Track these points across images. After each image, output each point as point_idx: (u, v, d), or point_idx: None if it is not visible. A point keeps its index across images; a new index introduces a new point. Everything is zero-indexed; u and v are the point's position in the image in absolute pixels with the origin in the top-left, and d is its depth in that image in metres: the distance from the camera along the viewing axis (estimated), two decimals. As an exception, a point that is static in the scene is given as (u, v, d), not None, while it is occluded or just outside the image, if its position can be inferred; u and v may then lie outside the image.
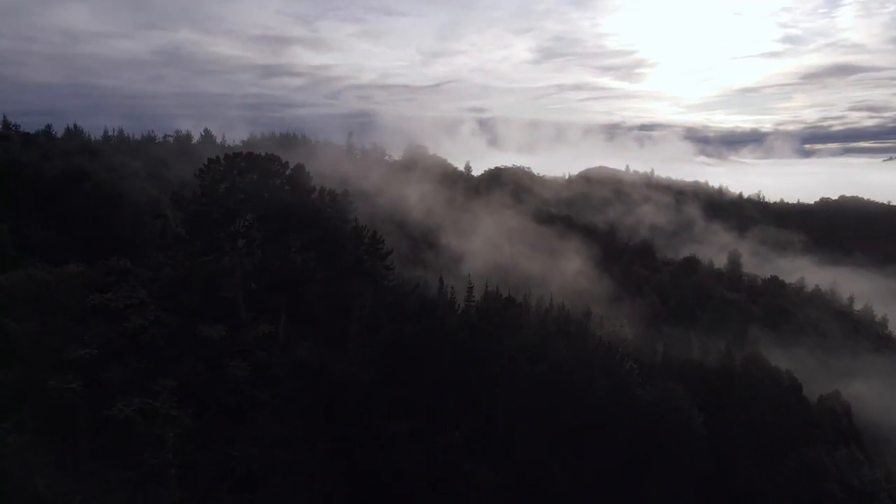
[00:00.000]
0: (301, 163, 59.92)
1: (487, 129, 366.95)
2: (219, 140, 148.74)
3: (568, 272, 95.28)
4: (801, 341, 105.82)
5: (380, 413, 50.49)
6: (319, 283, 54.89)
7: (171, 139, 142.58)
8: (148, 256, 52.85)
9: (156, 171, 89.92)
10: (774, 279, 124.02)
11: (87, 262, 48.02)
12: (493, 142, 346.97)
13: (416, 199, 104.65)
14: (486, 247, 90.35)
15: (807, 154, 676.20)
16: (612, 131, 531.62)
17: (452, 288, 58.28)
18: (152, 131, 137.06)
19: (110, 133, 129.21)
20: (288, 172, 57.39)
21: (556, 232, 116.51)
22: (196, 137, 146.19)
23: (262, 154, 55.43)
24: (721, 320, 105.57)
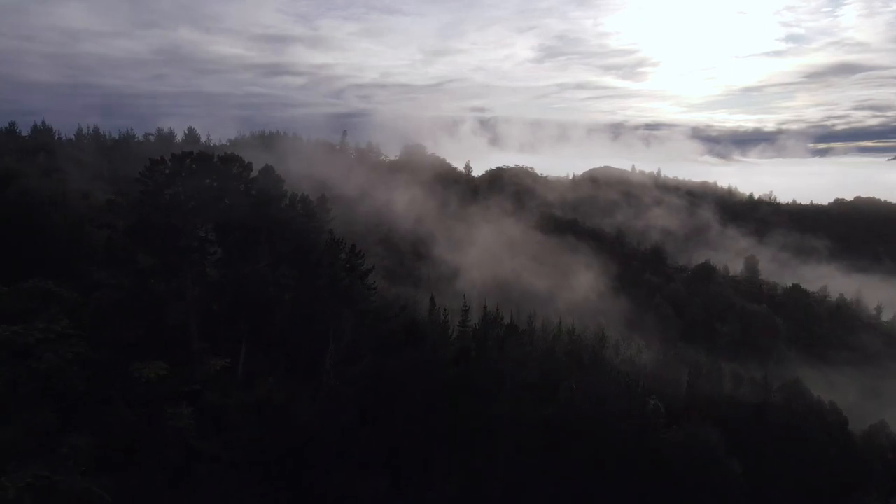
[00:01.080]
0: (270, 164, 51.76)
1: (489, 128, 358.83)
2: (203, 139, 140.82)
3: (576, 286, 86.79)
4: (831, 358, 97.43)
5: (357, 463, 42.35)
6: (288, 306, 46.70)
7: (152, 138, 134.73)
8: (84, 276, 44.55)
9: (123, 172, 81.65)
10: (797, 288, 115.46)
11: (8, 285, 39.90)
12: (495, 141, 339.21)
13: (408, 203, 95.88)
14: (484, 259, 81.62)
15: (811, 153, 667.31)
16: (616, 131, 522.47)
17: (445, 310, 49.99)
18: (131, 129, 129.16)
19: (85, 131, 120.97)
20: (253, 175, 49.31)
21: (562, 241, 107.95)
22: (180, 136, 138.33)
23: (222, 154, 47.27)
24: (742, 335, 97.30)
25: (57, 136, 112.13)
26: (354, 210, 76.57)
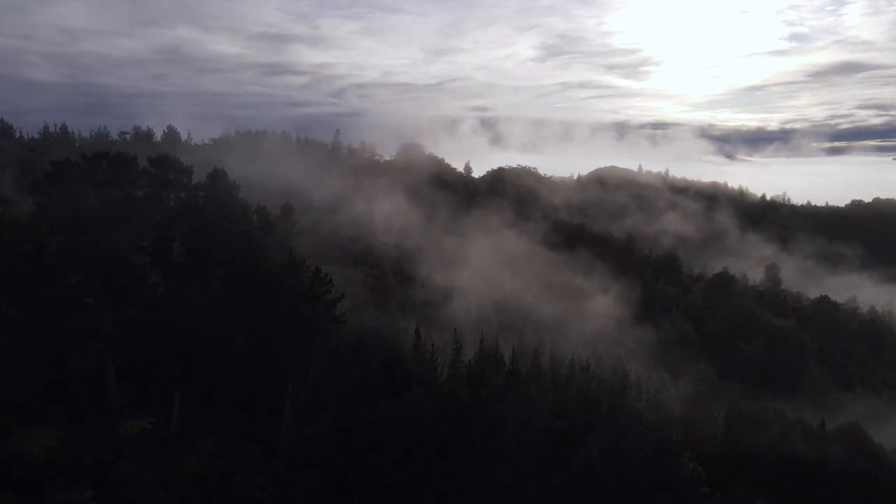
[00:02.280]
0: (220, 168, 42.72)
1: (490, 127, 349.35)
2: (185, 138, 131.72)
3: (587, 306, 77.06)
4: (866, 380, 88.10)
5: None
6: (235, 345, 37.56)
7: (128, 137, 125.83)
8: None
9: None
10: (825, 300, 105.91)
11: None
12: (497, 140, 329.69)
13: (396, 210, 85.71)
14: (480, 278, 71.46)
15: (815, 152, 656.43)
16: (619, 130, 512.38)
17: (433, 346, 40.88)
18: (104, 127, 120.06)
19: (52, 129, 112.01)
20: (197, 182, 40.39)
21: (568, 250, 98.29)
22: (159, 135, 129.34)
23: (154, 156, 38.32)
24: (769, 354, 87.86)
25: (18, 134, 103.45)
26: (331, 220, 67.15)
